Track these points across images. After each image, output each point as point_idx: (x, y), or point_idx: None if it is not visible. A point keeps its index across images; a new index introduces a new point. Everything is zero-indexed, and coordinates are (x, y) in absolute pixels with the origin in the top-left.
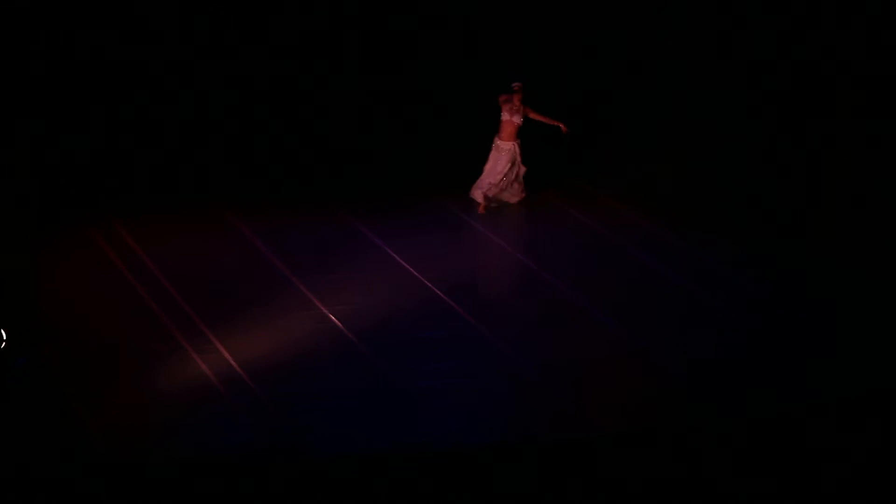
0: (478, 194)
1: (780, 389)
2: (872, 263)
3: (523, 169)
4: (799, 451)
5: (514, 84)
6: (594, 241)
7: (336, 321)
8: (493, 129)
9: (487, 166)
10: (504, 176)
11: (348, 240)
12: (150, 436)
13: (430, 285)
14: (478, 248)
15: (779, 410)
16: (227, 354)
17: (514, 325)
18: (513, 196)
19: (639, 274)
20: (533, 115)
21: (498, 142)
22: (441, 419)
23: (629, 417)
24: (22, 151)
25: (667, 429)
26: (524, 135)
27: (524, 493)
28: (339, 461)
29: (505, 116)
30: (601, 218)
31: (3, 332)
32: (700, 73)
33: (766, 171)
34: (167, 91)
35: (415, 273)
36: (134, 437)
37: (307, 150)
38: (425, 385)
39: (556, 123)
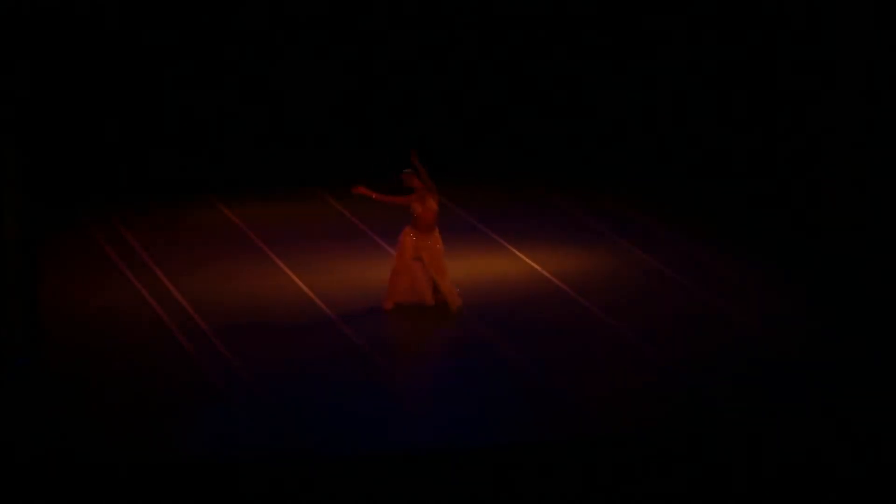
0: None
1: (782, 391)
2: (878, 265)
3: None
4: (799, 452)
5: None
6: (597, 242)
7: (337, 320)
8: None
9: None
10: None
11: (349, 238)
12: (150, 436)
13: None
14: (478, 247)
15: (779, 411)
16: (227, 354)
17: (515, 325)
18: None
19: (641, 274)
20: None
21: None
22: (441, 419)
23: (630, 418)
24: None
25: (667, 429)
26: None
27: (524, 493)
28: (340, 461)
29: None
30: (604, 219)
31: None
32: (698, 73)
33: (767, 170)
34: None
35: None
36: (134, 437)
37: (305, 145)
38: (426, 385)
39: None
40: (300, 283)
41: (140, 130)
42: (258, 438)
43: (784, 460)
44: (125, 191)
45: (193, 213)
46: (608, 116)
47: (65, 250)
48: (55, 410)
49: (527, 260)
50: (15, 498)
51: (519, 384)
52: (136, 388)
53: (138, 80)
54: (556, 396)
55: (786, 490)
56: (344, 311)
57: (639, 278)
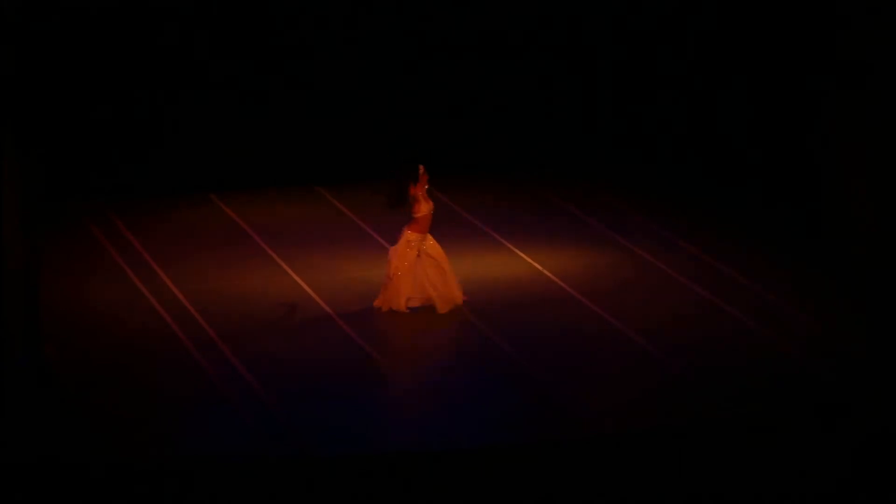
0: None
1: (783, 390)
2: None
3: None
4: (797, 451)
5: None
6: (598, 242)
7: (337, 319)
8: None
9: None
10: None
11: (349, 236)
12: (150, 436)
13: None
14: (478, 246)
15: (779, 411)
16: (227, 352)
17: (515, 325)
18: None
19: (641, 273)
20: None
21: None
22: (441, 420)
23: (630, 418)
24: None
25: (667, 429)
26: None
27: (525, 493)
28: (339, 461)
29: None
30: (605, 218)
31: None
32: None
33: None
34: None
35: None
36: (134, 436)
37: (304, 141)
38: (426, 385)
39: None
40: (300, 282)
41: (139, 128)
42: (258, 438)
43: (783, 460)
44: (125, 189)
45: (194, 211)
46: (609, 115)
47: (65, 249)
48: (55, 411)
49: (527, 259)
50: (15, 499)
51: (519, 384)
52: (137, 388)
53: (137, 77)
54: (556, 396)
55: (785, 490)
56: (344, 311)
57: (640, 278)
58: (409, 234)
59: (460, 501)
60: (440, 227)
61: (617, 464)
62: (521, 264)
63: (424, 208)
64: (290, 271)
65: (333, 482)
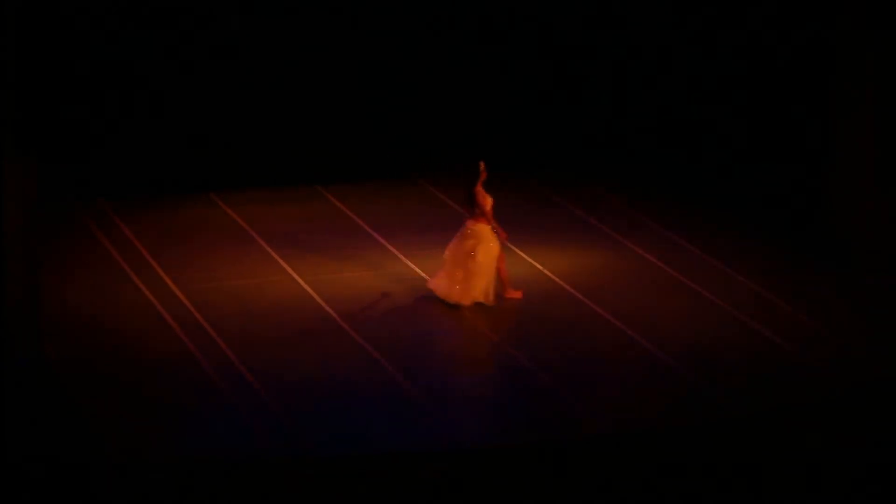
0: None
1: (781, 389)
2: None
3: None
4: (797, 451)
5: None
6: (597, 240)
7: (338, 319)
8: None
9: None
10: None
11: (349, 236)
12: (150, 435)
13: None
14: None
15: (779, 410)
16: (228, 352)
17: (516, 325)
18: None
19: (642, 273)
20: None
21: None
22: (442, 419)
23: (631, 418)
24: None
25: (667, 429)
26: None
27: (525, 493)
28: (340, 461)
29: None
30: (606, 218)
31: None
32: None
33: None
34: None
35: (418, 271)
36: (134, 436)
37: (305, 140)
38: (427, 385)
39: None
40: (301, 282)
41: (140, 127)
42: (258, 438)
43: (784, 460)
44: (125, 188)
45: (193, 210)
46: (610, 114)
47: (65, 249)
48: (55, 411)
49: (528, 259)
50: (15, 499)
51: (520, 384)
52: (137, 388)
53: (137, 77)
54: (557, 396)
55: (785, 490)
56: (344, 310)
57: (641, 278)
58: (484, 228)
59: (460, 501)
60: (441, 228)
61: (617, 464)
62: (522, 264)
63: (490, 199)
64: (290, 271)
65: (333, 482)
